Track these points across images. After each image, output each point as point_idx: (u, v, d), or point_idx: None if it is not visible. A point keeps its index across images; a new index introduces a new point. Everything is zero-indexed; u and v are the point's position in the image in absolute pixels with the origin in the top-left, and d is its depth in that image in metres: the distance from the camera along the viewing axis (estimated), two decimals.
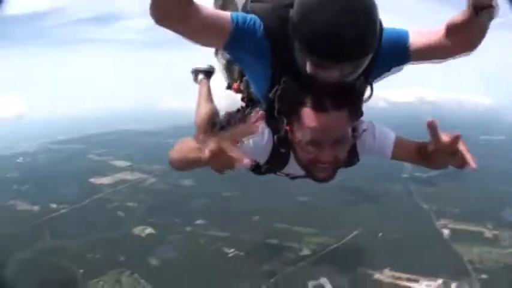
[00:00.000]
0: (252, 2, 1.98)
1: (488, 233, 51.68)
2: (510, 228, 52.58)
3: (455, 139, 1.67)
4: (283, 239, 39.93)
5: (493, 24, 1.78)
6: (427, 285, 39.00)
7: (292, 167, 2.10)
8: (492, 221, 53.26)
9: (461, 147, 1.73)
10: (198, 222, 42.57)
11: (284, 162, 2.12)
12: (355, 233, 42.69)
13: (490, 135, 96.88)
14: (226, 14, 1.83)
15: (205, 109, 3.30)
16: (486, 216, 53.62)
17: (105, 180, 55.35)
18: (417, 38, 1.93)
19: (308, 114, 1.72)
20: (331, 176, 1.92)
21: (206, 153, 1.35)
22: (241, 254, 37.85)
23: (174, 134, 66.80)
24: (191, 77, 3.93)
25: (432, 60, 2.08)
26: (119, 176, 57.15)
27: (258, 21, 1.85)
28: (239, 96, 2.89)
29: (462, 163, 1.76)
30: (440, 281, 39.72)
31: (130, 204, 47.80)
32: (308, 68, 1.67)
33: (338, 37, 1.51)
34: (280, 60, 1.86)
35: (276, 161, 2.12)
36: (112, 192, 51.47)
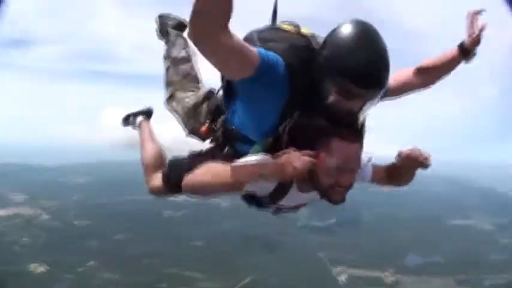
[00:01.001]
0: (261, 42, 2.13)
1: (389, 279, 53.04)
2: (412, 274, 55.02)
3: (417, 154, 2.19)
4: (172, 284, 40.03)
5: None
6: None
7: (290, 197, 2.24)
8: (393, 266, 55.13)
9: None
10: (90, 263, 42.01)
11: (285, 193, 2.22)
12: (247, 279, 42.95)
13: None
14: (254, 48, 1.94)
15: (152, 149, 3.30)
16: (387, 262, 55.48)
17: (1, 212, 53.76)
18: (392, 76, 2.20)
19: (338, 144, 1.97)
20: (344, 199, 2.13)
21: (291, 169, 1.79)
22: None
23: (73, 171, 68.25)
24: (124, 123, 3.83)
25: (394, 96, 2.57)
26: (15, 209, 55.22)
27: (280, 58, 2.01)
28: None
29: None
30: None
31: (25, 239, 46.86)
32: (332, 99, 1.93)
33: (375, 70, 1.88)
34: (297, 95, 2.05)
35: (277, 192, 2.20)
36: (8, 225, 50.25)
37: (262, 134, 2.20)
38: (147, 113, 3.70)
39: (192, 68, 3.18)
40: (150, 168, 3.07)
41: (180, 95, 3.06)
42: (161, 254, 43.77)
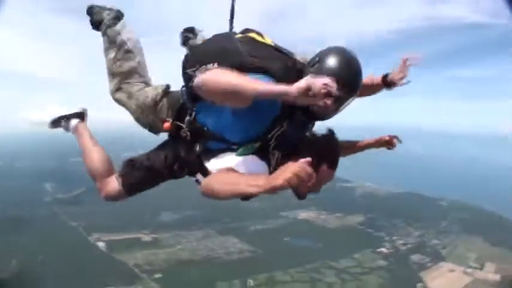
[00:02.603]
0: (255, 58, 2.44)
1: (146, 238, 57.61)
2: (169, 229, 60.52)
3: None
4: None
5: None
6: None
7: None
8: (149, 226, 60.15)
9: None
10: None
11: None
12: (14, 262, 42.48)
13: (130, 151, 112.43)
14: (248, 77, 2.20)
15: (98, 155, 3.24)
16: (142, 223, 60.37)
17: None
18: None
19: (324, 170, 2.40)
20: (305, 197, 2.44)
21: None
22: None
23: None
24: (53, 125, 3.59)
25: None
26: None
27: (273, 80, 2.34)
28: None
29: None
30: None
31: None
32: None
33: (356, 81, 2.43)
34: (287, 107, 2.36)
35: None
36: None
37: (247, 139, 2.44)
38: (81, 115, 3.58)
39: (137, 61, 3.23)
40: (101, 175, 3.12)
41: (130, 88, 3.15)
42: None
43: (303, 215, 72.19)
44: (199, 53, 2.65)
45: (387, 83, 3.10)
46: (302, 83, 1.98)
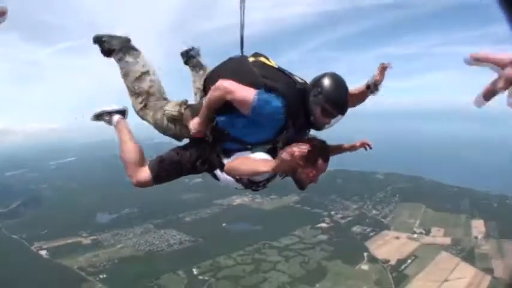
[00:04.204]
0: (265, 78, 3.09)
1: (86, 241, 58.34)
2: (107, 229, 61.52)
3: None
4: None
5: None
6: None
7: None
8: (87, 229, 61.21)
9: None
10: None
11: (275, 177, 3.32)
12: None
13: (60, 159, 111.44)
14: (252, 91, 2.98)
15: (133, 148, 3.62)
16: (79, 227, 61.41)
17: None
18: None
19: (321, 163, 3.06)
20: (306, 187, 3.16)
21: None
22: None
23: None
24: (96, 118, 3.97)
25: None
26: None
27: (278, 96, 3.03)
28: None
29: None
30: None
31: None
32: (318, 117, 3.07)
33: (345, 103, 3.06)
34: (291, 118, 3.06)
35: (271, 177, 3.29)
36: None
37: (260, 141, 3.19)
38: (123, 112, 3.91)
39: (154, 79, 3.71)
40: (133, 164, 3.54)
41: (154, 104, 3.63)
42: None
43: (237, 200, 73.46)
44: (220, 73, 3.24)
45: (371, 88, 3.57)
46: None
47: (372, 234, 61.72)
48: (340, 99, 3.03)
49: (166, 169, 3.51)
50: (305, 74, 3.33)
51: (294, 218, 65.46)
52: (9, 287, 45.41)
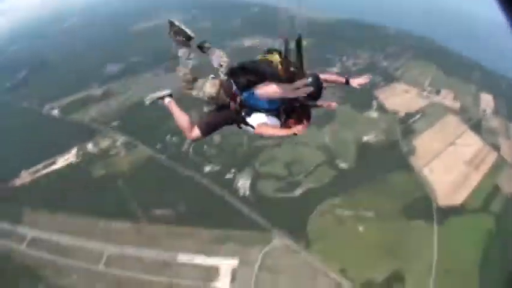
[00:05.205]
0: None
1: (96, 92, 61.47)
2: (117, 79, 64.92)
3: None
4: None
5: None
6: None
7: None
8: (97, 81, 64.77)
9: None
10: None
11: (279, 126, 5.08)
12: None
13: (64, 24, 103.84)
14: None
15: (183, 117, 5.74)
16: (89, 80, 64.44)
17: None
18: None
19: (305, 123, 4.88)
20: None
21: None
22: None
23: None
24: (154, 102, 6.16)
25: None
26: None
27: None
28: None
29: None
30: None
31: None
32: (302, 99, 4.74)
33: (320, 92, 4.66)
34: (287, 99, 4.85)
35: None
36: None
37: (270, 108, 5.05)
38: (171, 95, 6.05)
39: (192, 64, 5.71)
40: (186, 128, 5.67)
41: (197, 84, 5.61)
42: None
43: (248, 43, 73.30)
44: (259, 73, 4.98)
45: (348, 83, 5.59)
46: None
47: (382, 84, 61.29)
48: (318, 89, 4.75)
49: (210, 127, 5.62)
50: None
51: (304, 60, 64.41)
52: (23, 152, 47.38)
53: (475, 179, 44.04)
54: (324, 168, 44.61)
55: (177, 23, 5.52)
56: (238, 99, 5.25)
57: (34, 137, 49.72)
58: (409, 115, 54.33)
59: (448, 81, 63.32)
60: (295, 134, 4.70)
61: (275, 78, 4.78)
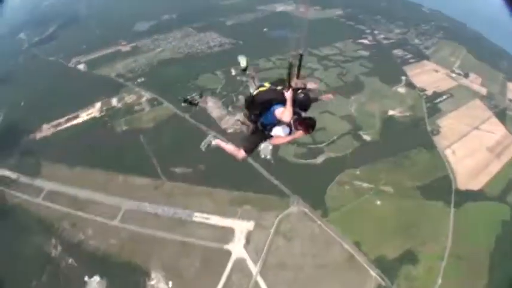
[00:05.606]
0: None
1: (125, 48, 60.44)
2: (147, 36, 64.11)
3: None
4: None
5: None
6: None
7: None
8: (126, 37, 63.84)
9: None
10: None
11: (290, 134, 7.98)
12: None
13: None
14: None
15: (230, 145, 8.25)
16: (118, 36, 63.68)
17: None
18: None
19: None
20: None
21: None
22: None
23: None
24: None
25: None
26: None
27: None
28: None
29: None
30: None
31: None
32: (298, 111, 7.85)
33: (309, 105, 7.76)
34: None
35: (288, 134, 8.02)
36: None
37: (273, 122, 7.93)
38: (214, 136, 13.00)
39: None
40: (234, 151, 8.00)
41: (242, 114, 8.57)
42: None
43: (280, 8, 72.30)
44: (278, 99, 7.68)
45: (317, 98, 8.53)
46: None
47: (412, 61, 59.86)
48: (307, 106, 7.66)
49: (251, 146, 8.03)
50: None
51: (336, 30, 63.75)
52: (47, 104, 47.49)
53: (496, 166, 43.42)
54: (347, 138, 44.38)
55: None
56: (258, 123, 8.00)
57: (58, 91, 49.35)
58: (436, 94, 53.37)
59: (477, 66, 62.11)
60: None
61: (278, 99, 7.60)
